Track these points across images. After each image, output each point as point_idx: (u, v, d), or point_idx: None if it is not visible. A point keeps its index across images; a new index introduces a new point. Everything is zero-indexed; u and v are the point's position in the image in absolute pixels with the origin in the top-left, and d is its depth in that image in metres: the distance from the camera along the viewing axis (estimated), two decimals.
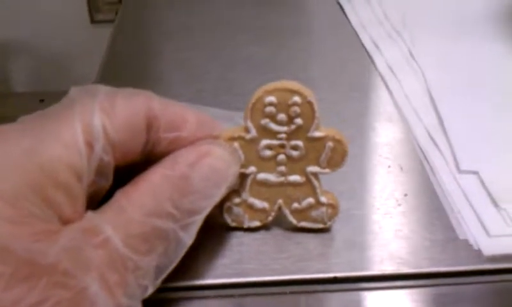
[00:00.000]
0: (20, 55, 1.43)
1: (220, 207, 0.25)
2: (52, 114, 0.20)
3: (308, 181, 0.24)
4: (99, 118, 0.19)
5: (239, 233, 0.25)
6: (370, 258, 0.24)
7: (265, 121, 0.23)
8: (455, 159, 0.30)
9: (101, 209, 0.19)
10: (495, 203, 0.27)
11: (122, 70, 0.41)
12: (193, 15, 0.50)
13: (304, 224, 0.25)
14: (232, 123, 0.24)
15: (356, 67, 0.41)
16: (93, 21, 1.34)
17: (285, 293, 0.23)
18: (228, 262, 0.24)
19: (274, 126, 0.23)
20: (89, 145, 0.19)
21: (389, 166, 0.30)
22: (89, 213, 0.19)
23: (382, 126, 0.34)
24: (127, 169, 0.21)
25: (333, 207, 0.25)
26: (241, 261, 0.24)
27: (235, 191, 0.25)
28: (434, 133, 0.32)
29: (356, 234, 0.25)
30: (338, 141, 0.23)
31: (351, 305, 0.23)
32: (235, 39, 0.45)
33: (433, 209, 0.27)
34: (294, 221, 0.25)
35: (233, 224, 0.25)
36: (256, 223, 0.25)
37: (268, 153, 0.24)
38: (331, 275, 0.23)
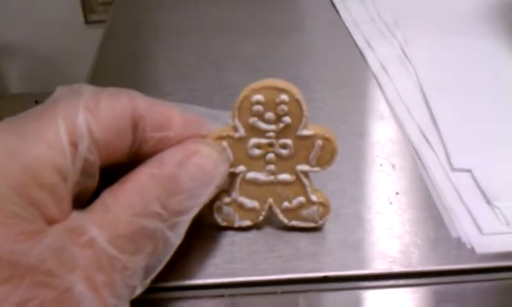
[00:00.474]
0: (14, 56, 1.43)
1: (210, 206, 0.24)
2: (36, 114, 0.20)
3: (298, 179, 0.24)
4: (84, 117, 0.19)
5: (229, 233, 0.25)
6: (361, 257, 0.24)
7: (253, 120, 0.23)
8: (448, 157, 0.30)
9: (87, 209, 0.19)
10: (488, 201, 0.27)
11: (113, 70, 0.41)
12: (185, 14, 0.49)
13: (295, 223, 0.25)
14: (220, 122, 0.24)
15: (349, 65, 0.41)
16: (87, 22, 1.34)
17: (275, 293, 0.23)
18: (219, 262, 0.24)
19: (262, 125, 0.23)
20: (74, 145, 0.19)
21: (381, 165, 0.30)
22: (75, 213, 0.19)
23: (374, 124, 0.33)
24: (115, 170, 0.21)
25: (324, 206, 0.25)
26: (232, 260, 0.24)
27: (225, 190, 0.24)
28: (427, 131, 0.32)
29: (348, 233, 0.25)
30: (327, 139, 0.23)
31: (341, 304, 0.23)
32: (227, 39, 0.45)
33: (425, 207, 0.27)
34: (285, 220, 0.25)
35: (224, 224, 0.25)
36: (247, 222, 0.25)
37: (257, 152, 0.24)
38: (322, 274, 0.23)
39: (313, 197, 0.24)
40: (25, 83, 1.47)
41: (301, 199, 0.24)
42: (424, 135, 0.32)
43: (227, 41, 0.44)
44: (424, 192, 0.28)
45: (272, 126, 0.23)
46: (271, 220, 0.25)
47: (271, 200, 0.25)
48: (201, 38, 0.45)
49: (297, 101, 0.22)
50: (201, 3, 0.51)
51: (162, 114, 0.22)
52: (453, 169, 0.29)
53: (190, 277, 0.23)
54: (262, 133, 0.23)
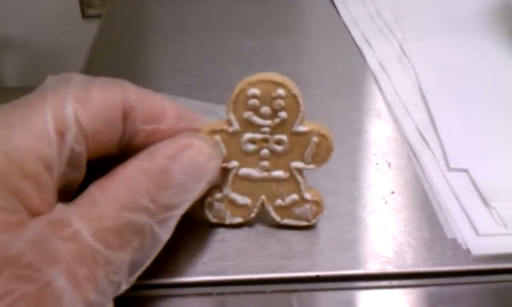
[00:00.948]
0: (11, 50, 1.42)
1: (201, 202, 0.24)
2: (24, 103, 0.19)
3: (292, 177, 0.23)
4: (72, 106, 0.19)
5: (220, 230, 0.25)
6: (354, 256, 0.24)
7: (248, 114, 0.22)
8: (445, 157, 0.29)
9: (73, 202, 0.18)
10: (485, 202, 0.26)
11: (108, 63, 0.41)
12: (182, 8, 0.49)
13: (287, 221, 0.24)
14: (214, 116, 0.23)
15: (347, 63, 0.40)
16: (84, 16, 1.33)
17: (265, 292, 0.22)
18: (208, 259, 0.23)
19: (257, 120, 0.22)
20: (60, 134, 0.18)
21: (377, 163, 0.29)
22: (59, 206, 0.18)
23: (371, 122, 0.33)
24: (104, 163, 0.20)
25: (318, 204, 0.24)
26: (221, 258, 0.23)
27: (216, 186, 0.24)
28: (424, 130, 0.31)
29: (341, 232, 0.25)
30: (323, 136, 0.23)
31: (333, 304, 0.22)
32: (224, 34, 0.44)
33: (420, 207, 0.26)
34: (277, 218, 0.24)
35: (215, 220, 0.24)
36: (238, 219, 0.24)
37: (251, 147, 0.23)
38: (314, 274, 0.23)
39: (307, 195, 0.24)
40: (21, 77, 1.47)
41: (295, 196, 0.24)
42: (421, 134, 0.31)
43: (225, 36, 0.44)
44: (420, 191, 0.27)
45: (268, 121, 0.22)
46: (263, 218, 0.25)
47: (263, 197, 0.24)
48: (198, 33, 0.44)
49: (294, 96, 0.22)
50: None
51: (154, 105, 0.21)
52: (450, 169, 0.28)
53: (178, 275, 0.23)
54: (256, 128, 0.23)
